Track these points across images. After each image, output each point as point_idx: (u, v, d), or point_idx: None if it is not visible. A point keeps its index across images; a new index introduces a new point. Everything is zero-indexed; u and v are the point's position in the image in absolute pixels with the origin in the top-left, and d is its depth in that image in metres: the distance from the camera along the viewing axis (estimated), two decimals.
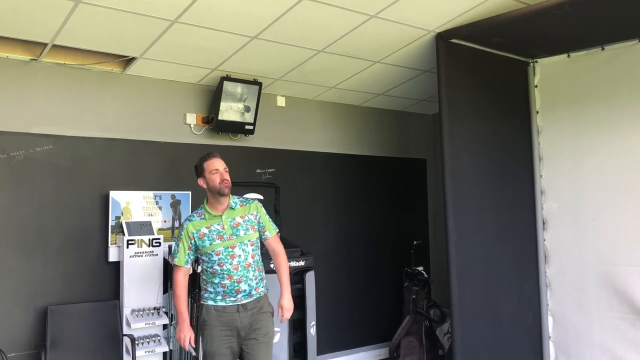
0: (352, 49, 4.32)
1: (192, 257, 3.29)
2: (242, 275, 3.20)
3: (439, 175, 4.28)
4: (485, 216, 4.23)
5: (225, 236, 3.22)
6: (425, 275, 5.66)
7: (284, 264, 3.42)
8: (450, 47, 4.14)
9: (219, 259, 3.19)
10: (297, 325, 4.50)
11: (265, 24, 3.78)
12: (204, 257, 3.25)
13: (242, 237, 3.24)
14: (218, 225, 3.23)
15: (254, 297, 3.25)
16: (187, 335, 3.24)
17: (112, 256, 4.18)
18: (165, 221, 4.47)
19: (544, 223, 4.53)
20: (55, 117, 4.11)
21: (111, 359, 3.99)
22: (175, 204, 4.52)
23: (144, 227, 4.22)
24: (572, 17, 3.64)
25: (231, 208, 3.28)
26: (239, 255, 3.21)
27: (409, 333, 5.29)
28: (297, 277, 4.50)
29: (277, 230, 3.47)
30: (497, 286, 4.25)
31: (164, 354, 4.20)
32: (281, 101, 5.28)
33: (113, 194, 4.21)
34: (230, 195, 3.30)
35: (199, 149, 4.71)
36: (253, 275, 3.24)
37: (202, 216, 3.28)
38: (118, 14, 3.44)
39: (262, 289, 3.32)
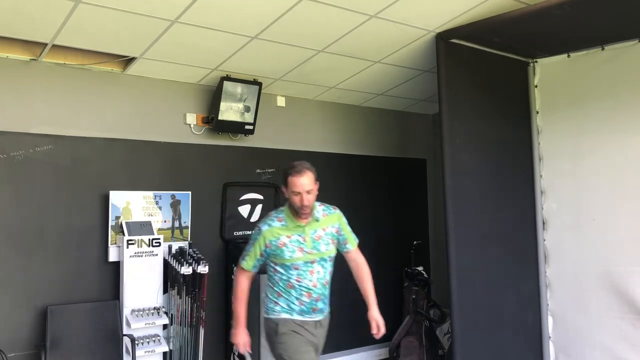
0: (352, 49, 4.32)
1: (260, 264, 3.05)
2: (321, 294, 3.00)
3: (439, 175, 4.27)
4: (485, 216, 4.23)
5: (306, 249, 2.95)
6: (425, 275, 5.67)
7: (369, 276, 3.21)
8: (450, 47, 4.14)
9: (297, 274, 2.94)
10: None
11: (265, 24, 3.78)
12: (278, 268, 2.98)
13: (323, 253, 2.99)
14: (299, 236, 2.96)
15: (325, 314, 3.10)
16: (245, 340, 3.03)
17: (112, 256, 4.18)
18: (165, 221, 4.47)
19: (544, 223, 4.53)
20: (55, 117, 4.11)
21: (111, 359, 3.99)
22: (175, 204, 4.52)
23: (144, 227, 4.22)
24: (572, 17, 3.64)
25: (315, 220, 3.00)
26: (318, 272, 2.98)
27: (409, 333, 5.29)
28: None
29: (357, 241, 3.27)
30: (497, 286, 4.25)
31: (164, 354, 4.20)
32: (281, 101, 5.28)
33: (113, 194, 4.21)
34: (315, 204, 3.04)
35: (199, 149, 4.74)
36: (329, 294, 3.07)
37: (283, 222, 2.98)
38: (118, 14, 3.44)
39: (328, 307, 3.14)
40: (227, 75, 4.58)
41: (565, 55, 4.42)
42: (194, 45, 4.02)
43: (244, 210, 4.98)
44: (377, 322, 3.12)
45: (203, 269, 4.31)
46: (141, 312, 4.09)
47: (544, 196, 4.54)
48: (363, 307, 5.99)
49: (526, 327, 4.43)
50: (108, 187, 4.23)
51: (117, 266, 4.18)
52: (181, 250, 4.43)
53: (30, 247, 3.95)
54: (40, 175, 4.02)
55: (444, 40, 4.12)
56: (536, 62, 4.62)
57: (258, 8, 3.57)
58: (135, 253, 4.11)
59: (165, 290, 4.31)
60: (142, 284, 4.13)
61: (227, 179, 4.89)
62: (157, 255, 4.21)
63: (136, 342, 3.96)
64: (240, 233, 4.92)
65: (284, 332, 2.94)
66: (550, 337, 4.48)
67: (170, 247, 4.42)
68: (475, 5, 3.78)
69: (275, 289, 3.01)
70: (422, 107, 6.17)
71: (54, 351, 3.82)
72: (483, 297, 4.14)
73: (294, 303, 2.96)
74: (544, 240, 4.52)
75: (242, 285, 3.05)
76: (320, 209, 3.07)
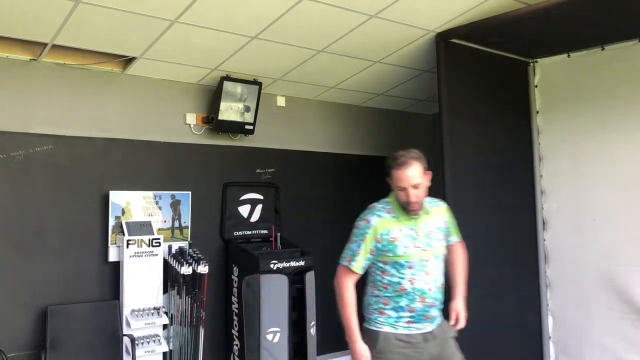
0: (352, 49, 4.32)
1: (369, 264, 2.66)
2: (435, 299, 2.60)
3: (439, 175, 4.27)
4: (485, 216, 4.23)
5: (419, 245, 2.58)
6: None
7: (464, 265, 2.81)
8: (450, 47, 4.14)
9: (411, 274, 2.55)
10: (297, 325, 4.51)
11: (265, 23, 3.78)
12: (388, 268, 2.59)
13: (436, 250, 2.63)
14: (412, 229, 2.60)
15: (438, 322, 2.66)
16: (367, 354, 2.57)
17: (112, 256, 4.18)
18: (165, 221, 4.47)
19: (544, 223, 4.53)
20: (55, 117, 4.11)
21: (111, 359, 3.99)
22: (175, 204, 4.52)
23: (144, 227, 4.22)
24: (572, 17, 3.64)
25: (426, 212, 2.65)
26: (433, 272, 2.59)
27: None
28: (297, 277, 4.51)
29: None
30: (497, 286, 4.24)
31: (164, 354, 4.20)
32: (281, 101, 5.28)
33: (113, 194, 4.21)
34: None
35: (199, 149, 4.74)
36: (442, 298, 2.66)
37: (393, 213, 2.64)
38: (118, 14, 3.44)
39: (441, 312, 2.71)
40: (227, 75, 4.57)
41: (565, 55, 4.42)
42: (194, 45, 4.02)
43: (244, 210, 4.98)
44: (457, 313, 2.69)
45: (203, 269, 4.31)
46: (141, 312, 4.09)
47: (544, 196, 4.54)
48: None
49: (526, 327, 4.43)
50: (108, 187, 4.23)
51: (117, 266, 4.18)
52: (181, 250, 4.43)
53: (30, 247, 3.95)
54: (40, 175, 4.01)
55: (444, 40, 4.11)
56: (536, 62, 4.62)
57: (258, 8, 3.56)
58: (135, 253, 4.11)
59: (165, 290, 4.31)
60: (142, 284, 4.13)
61: (227, 179, 4.89)
62: (157, 255, 4.21)
63: (136, 342, 3.96)
64: (240, 233, 4.92)
65: (383, 352, 2.58)
66: (550, 337, 4.48)
67: (170, 247, 4.42)
68: (475, 5, 3.78)
69: (381, 295, 2.62)
70: (422, 107, 6.16)
71: (54, 351, 3.82)
72: (483, 297, 4.14)
73: (403, 310, 2.57)
74: (544, 240, 4.52)
75: (350, 291, 2.62)
76: (428, 199, 2.71)
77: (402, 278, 2.56)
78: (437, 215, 2.71)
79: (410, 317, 2.57)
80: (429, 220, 2.64)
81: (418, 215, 2.61)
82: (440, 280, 2.64)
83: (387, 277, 2.59)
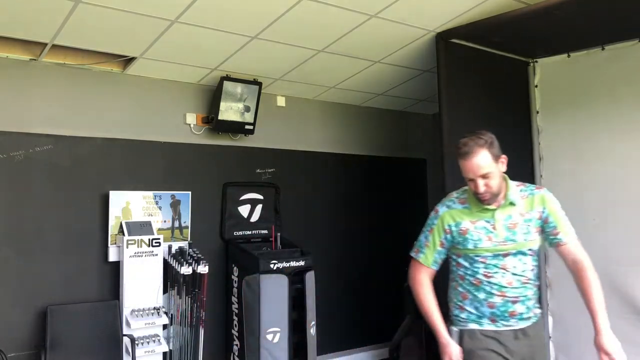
0: (352, 49, 4.32)
1: (442, 257, 2.49)
2: (520, 294, 2.38)
3: (439, 175, 4.27)
4: None
5: (495, 239, 2.37)
6: None
7: (594, 285, 2.35)
8: (450, 47, 4.14)
9: (484, 267, 2.38)
10: (297, 325, 4.50)
11: (265, 23, 3.78)
12: (460, 260, 2.45)
13: (521, 244, 2.37)
14: (487, 222, 2.39)
15: (533, 321, 2.44)
16: (457, 350, 2.40)
17: (112, 256, 4.18)
18: (165, 221, 4.46)
19: None
20: (55, 117, 4.11)
21: (111, 359, 3.99)
22: (175, 204, 4.52)
23: (144, 227, 4.21)
24: (572, 17, 3.64)
25: (510, 203, 2.39)
26: (514, 267, 2.37)
27: (409, 333, 5.28)
28: (297, 277, 4.51)
29: (574, 232, 2.51)
30: None
31: (164, 354, 4.20)
32: (281, 101, 5.28)
33: (113, 194, 4.21)
34: (507, 182, 2.42)
35: (199, 149, 4.74)
36: (533, 295, 2.43)
37: (466, 204, 2.45)
38: (118, 14, 3.44)
39: (539, 310, 2.50)
40: (227, 75, 4.57)
41: (565, 55, 4.41)
42: (194, 45, 4.02)
43: (244, 210, 4.98)
44: (606, 353, 2.37)
45: (203, 269, 4.31)
46: (141, 312, 4.08)
47: None
48: (363, 307, 6.00)
49: None
50: (108, 187, 4.23)
51: (117, 266, 4.18)
52: (181, 250, 4.43)
53: (30, 247, 3.95)
54: (40, 175, 4.01)
55: (444, 40, 4.11)
56: (536, 62, 4.62)
57: (258, 8, 3.56)
58: (135, 253, 4.11)
59: (165, 290, 4.31)
60: (142, 284, 4.13)
61: (227, 179, 4.89)
62: (157, 255, 4.20)
63: (136, 342, 3.96)
64: (240, 233, 4.92)
65: (471, 351, 2.39)
66: (550, 337, 4.48)
67: (170, 247, 4.42)
68: (475, 5, 3.78)
69: (459, 288, 2.46)
70: (422, 107, 6.16)
71: (54, 351, 3.82)
72: None
73: (483, 306, 2.39)
74: None
75: (422, 285, 2.45)
76: (517, 189, 2.43)
77: (476, 271, 2.39)
78: (529, 205, 2.40)
79: (492, 313, 2.38)
80: (513, 211, 2.37)
81: (495, 206, 2.38)
82: (525, 274, 2.38)
83: (462, 269, 2.44)
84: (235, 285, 4.60)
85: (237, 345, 4.56)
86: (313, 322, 4.59)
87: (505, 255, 2.37)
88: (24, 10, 3.32)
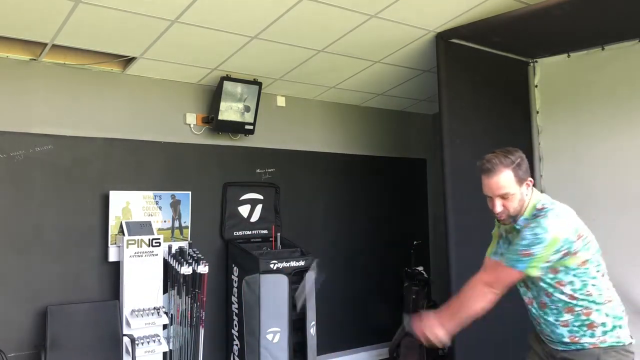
0: (352, 49, 4.32)
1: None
2: (539, 316, 2.36)
3: (439, 175, 4.27)
4: (485, 216, 4.21)
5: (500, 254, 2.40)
6: (425, 275, 5.66)
7: (460, 293, 2.45)
8: (450, 47, 4.14)
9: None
10: (297, 325, 4.50)
11: (265, 23, 3.78)
12: None
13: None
14: (506, 240, 2.40)
15: (564, 347, 2.29)
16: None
17: (112, 256, 4.18)
18: (165, 221, 4.46)
19: None
20: (55, 117, 4.11)
21: (111, 359, 3.99)
22: (175, 204, 4.52)
23: (144, 227, 4.21)
24: (572, 17, 3.64)
25: (514, 229, 2.30)
26: (531, 288, 2.36)
27: (409, 333, 5.28)
28: (297, 277, 4.51)
29: (505, 260, 2.29)
30: None
31: (164, 354, 4.20)
32: (281, 101, 5.28)
33: (113, 194, 4.21)
34: (527, 207, 2.27)
35: (199, 149, 4.74)
36: (555, 320, 2.28)
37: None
38: (118, 14, 3.44)
39: (589, 339, 2.22)
40: (227, 75, 4.57)
41: (565, 55, 4.42)
42: (194, 45, 4.02)
43: (244, 210, 4.98)
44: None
45: (203, 269, 4.31)
46: (141, 312, 4.08)
47: None
48: (363, 307, 6.00)
49: (526, 326, 4.41)
50: (108, 187, 4.23)
51: (117, 266, 4.18)
52: (181, 250, 4.43)
53: (30, 247, 3.95)
54: (40, 175, 4.01)
55: (444, 40, 4.11)
56: (536, 62, 4.62)
57: (258, 8, 3.56)
58: (135, 253, 4.11)
59: (165, 290, 4.31)
60: (142, 284, 4.13)
61: (227, 179, 4.89)
62: (157, 255, 4.20)
63: (136, 342, 3.96)
64: (240, 233, 4.92)
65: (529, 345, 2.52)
66: None
67: (170, 247, 4.42)
68: (475, 5, 3.78)
69: None
70: (422, 107, 6.17)
71: (54, 351, 3.81)
72: None
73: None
74: None
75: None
76: (528, 213, 2.25)
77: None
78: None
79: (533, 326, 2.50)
80: (514, 237, 2.28)
81: (509, 223, 2.30)
82: (540, 298, 2.33)
83: None
84: (235, 285, 4.60)
85: (237, 345, 4.56)
86: (313, 322, 4.59)
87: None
88: (24, 10, 3.32)
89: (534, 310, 2.35)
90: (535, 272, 2.20)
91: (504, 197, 2.20)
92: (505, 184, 2.19)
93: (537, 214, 2.22)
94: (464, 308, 2.36)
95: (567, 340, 2.25)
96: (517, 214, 2.25)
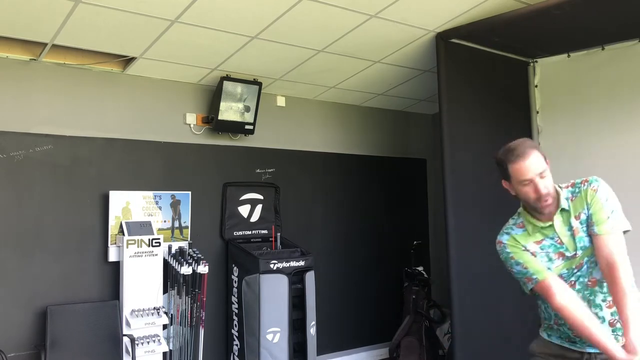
0: (352, 49, 4.32)
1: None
2: (583, 297, 2.17)
3: (439, 175, 4.27)
4: (485, 216, 4.22)
5: (568, 253, 2.17)
6: (425, 275, 5.67)
7: (622, 286, 2.02)
8: (450, 47, 4.14)
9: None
10: (297, 325, 4.51)
11: (265, 24, 3.78)
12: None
13: (588, 249, 2.15)
14: (552, 238, 2.19)
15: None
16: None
17: (112, 256, 4.18)
18: (165, 221, 4.46)
19: None
20: (55, 117, 4.11)
21: (111, 359, 3.99)
22: (175, 204, 4.52)
23: (144, 227, 4.22)
24: (572, 17, 3.64)
25: (562, 210, 2.18)
26: (581, 275, 2.17)
27: (409, 333, 5.29)
28: (297, 277, 4.51)
29: (617, 224, 2.18)
30: (497, 286, 4.24)
31: (164, 354, 4.20)
32: (281, 101, 5.28)
33: (113, 194, 4.21)
34: (558, 188, 2.22)
35: (198, 149, 4.74)
36: (602, 300, 2.16)
37: (524, 228, 2.26)
38: (118, 14, 3.44)
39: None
40: (227, 75, 4.58)
41: (565, 55, 4.42)
42: (194, 45, 4.02)
43: (244, 210, 4.99)
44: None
45: (203, 269, 4.31)
46: (141, 312, 4.08)
47: None
48: (363, 307, 5.99)
49: (526, 326, 4.41)
50: (108, 187, 4.23)
51: (117, 266, 4.18)
52: (181, 250, 4.43)
53: (30, 247, 3.95)
54: (40, 175, 4.01)
55: (444, 40, 4.11)
56: (536, 62, 4.62)
57: (258, 8, 3.56)
58: (135, 253, 4.11)
59: (165, 290, 4.31)
60: (142, 284, 4.13)
61: (227, 179, 4.89)
62: (157, 255, 4.20)
63: (136, 342, 3.96)
64: (240, 233, 4.92)
65: (533, 352, 2.44)
66: None
67: (170, 247, 4.42)
68: (475, 5, 3.78)
69: (542, 315, 2.39)
70: (422, 107, 6.17)
71: (54, 351, 3.82)
72: (483, 297, 4.14)
73: (553, 325, 2.31)
74: None
75: (567, 302, 2.09)
76: (565, 191, 2.23)
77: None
78: (579, 205, 2.18)
79: (559, 332, 2.31)
80: (570, 217, 2.17)
81: (553, 213, 2.17)
82: (592, 276, 2.16)
83: (540, 301, 2.33)
84: (235, 285, 4.60)
85: (237, 345, 4.57)
86: (313, 322, 4.59)
87: (578, 267, 2.16)
88: (24, 10, 3.32)
89: (577, 294, 2.15)
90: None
91: (542, 175, 2.14)
92: (540, 161, 2.16)
93: (577, 183, 2.25)
94: None
95: (607, 326, 2.12)
96: (554, 198, 2.17)
